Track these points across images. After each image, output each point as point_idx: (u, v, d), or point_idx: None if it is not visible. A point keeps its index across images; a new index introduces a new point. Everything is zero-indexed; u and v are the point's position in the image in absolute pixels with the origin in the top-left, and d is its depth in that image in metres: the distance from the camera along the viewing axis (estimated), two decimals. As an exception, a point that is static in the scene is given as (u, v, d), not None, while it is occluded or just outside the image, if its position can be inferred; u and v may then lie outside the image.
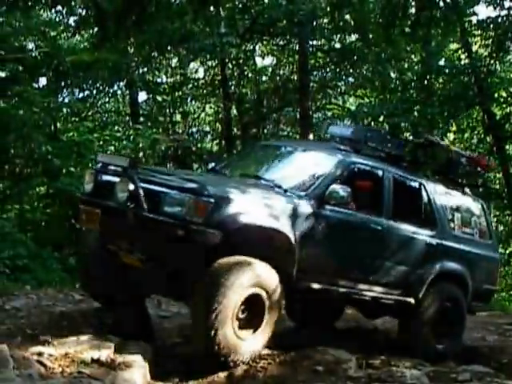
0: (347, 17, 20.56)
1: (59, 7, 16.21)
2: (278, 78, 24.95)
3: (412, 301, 9.31)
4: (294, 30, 20.25)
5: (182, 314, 10.03)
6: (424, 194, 9.80)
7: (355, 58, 21.52)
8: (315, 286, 8.27)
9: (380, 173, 9.25)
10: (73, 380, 6.40)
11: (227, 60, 21.73)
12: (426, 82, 21.22)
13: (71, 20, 19.38)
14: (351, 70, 22.65)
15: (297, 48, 22.41)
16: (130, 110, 25.58)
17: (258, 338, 7.61)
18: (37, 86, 19.63)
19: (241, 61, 22.28)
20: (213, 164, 9.98)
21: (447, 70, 20.61)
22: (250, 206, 7.58)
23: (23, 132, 17.16)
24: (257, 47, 22.80)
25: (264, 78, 25.52)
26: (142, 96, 25.54)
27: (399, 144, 10.21)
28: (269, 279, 7.59)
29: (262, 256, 7.58)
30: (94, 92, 24.16)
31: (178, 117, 27.37)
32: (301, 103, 21.75)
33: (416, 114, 20.26)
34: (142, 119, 24.45)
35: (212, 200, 7.23)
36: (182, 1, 13.38)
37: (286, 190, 8.25)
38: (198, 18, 10.10)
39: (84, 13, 15.21)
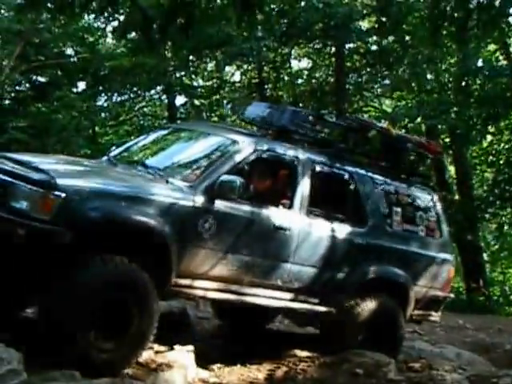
0: (384, 19, 20.50)
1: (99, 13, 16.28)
2: (314, 80, 24.92)
3: (333, 311, 8.17)
4: (330, 32, 20.23)
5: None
6: (352, 185, 8.44)
7: (391, 60, 21.43)
8: (199, 292, 7.36)
9: (293, 161, 8.02)
10: (115, 380, 6.34)
11: (264, 63, 21.80)
12: (463, 83, 21.04)
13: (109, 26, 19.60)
14: (387, 72, 22.55)
15: (333, 50, 22.42)
16: (168, 114, 25.76)
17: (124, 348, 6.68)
18: (76, 90, 19.88)
19: (277, 64, 22.31)
20: (113, 148, 8.87)
21: (486, 72, 20.42)
22: (112, 200, 6.56)
23: (63, 135, 17.43)
24: (293, 50, 22.81)
25: (300, 81, 25.52)
26: (180, 100, 25.64)
27: (325, 127, 9.00)
28: (135, 282, 6.64)
29: (127, 256, 6.61)
30: (132, 96, 24.37)
31: (215, 120, 27.46)
32: (337, 106, 21.69)
33: (453, 115, 20.09)
34: (179, 123, 24.55)
35: (61, 194, 6.22)
36: (223, 5, 13.33)
37: (167, 181, 7.18)
38: (241, 22, 10.02)
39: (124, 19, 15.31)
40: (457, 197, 21.81)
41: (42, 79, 19.16)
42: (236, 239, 7.40)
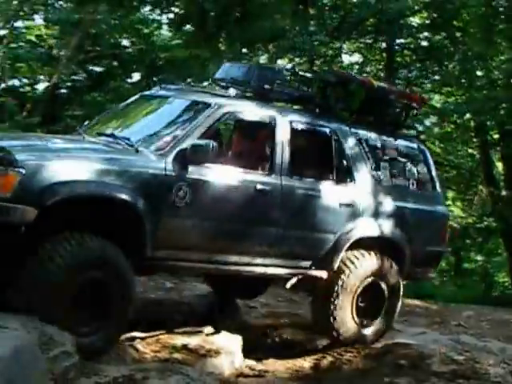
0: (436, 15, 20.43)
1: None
2: (364, 75, 24.89)
3: (323, 275, 7.92)
4: (381, 28, 20.20)
5: (270, 304, 10.32)
6: (335, 142, 8.06)
7: (442, 56, 21.32)
8: (180, 264, 7.13)
9: (270, 121, 7.64)
10: (165, 365, 6.59)
11: (315, 57, 21.82)
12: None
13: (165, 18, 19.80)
14: (437, 68, 22.42)
15: (384, 46, 22.37)
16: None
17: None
18: (130, 81, 20.11)
19: (328, 58, 22.30)
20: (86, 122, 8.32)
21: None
22: (78, 173, 6.20)
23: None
24: (344, 45, 22.79)
25: (351, 76, 25.41)
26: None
27: (302, 83, 8.32)
28: (109, 259, 6.35)
29: (97, 233, 6.32)
30: (186, 87, 24.34)
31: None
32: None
33: (502, 112, 19.93)
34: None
35: (21, 170, 5.85)
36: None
37: (137, 150, 6.88)
38: (296, 17, 10.06)
39: (180, 11, 15.55)
40: (504, 192, 21.66)
41: (97, 69, 19.48)
42: (214, 206, 7.06)
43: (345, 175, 8.11)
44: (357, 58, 25.01)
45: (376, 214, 8.20)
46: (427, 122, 22.67)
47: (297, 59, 22.13)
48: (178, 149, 6.86)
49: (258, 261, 7.50)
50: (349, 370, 7.69)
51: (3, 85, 18.24)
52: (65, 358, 5.67)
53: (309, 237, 7.75)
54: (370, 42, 22.64)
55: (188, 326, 7.96)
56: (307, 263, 7.83)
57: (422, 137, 18.39)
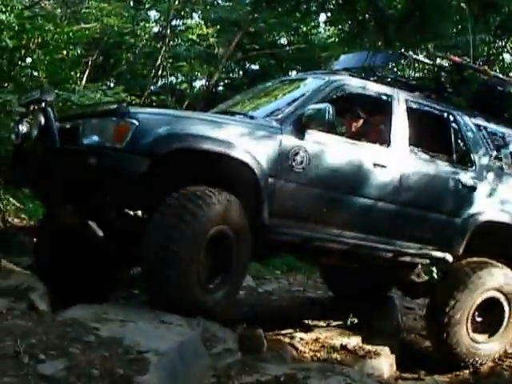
0: None
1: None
2: (528, 77, 24.03)
3: (449, 258, 7.41)
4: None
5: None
6: (454, 125, 7.76)
7: None
8: (296, 233, 6.53)
9: (386, 97, 7.37)
10: (325, 365, 6.51)
11: (477, 56, 21.28)
12: None
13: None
14: None
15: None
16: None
17: None
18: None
19: (491, 57, 21.69)
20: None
21: None
22: (191, 128, 5.97)
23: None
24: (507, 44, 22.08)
25: (512, 75, 24.70)
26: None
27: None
28: (238, 217, 5.98)
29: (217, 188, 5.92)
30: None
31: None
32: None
33: None
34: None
35: (134, 121, 5.70)
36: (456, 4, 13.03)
37: (252, 117, 6.67)
38: (477, 22, 9.83)
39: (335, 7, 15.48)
40: None
41: (254, 66, 19.75)
42: (331, 175, 6.67)
43: (465, 159, 7.77)
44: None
45: (499, 200, 7.78)
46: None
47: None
48: (295, 114, 6.59)
49: (378, 240, 7.04)
50: (509, 376, 7.47)
51: (163, 82, 18.80)
52: (227, 355, 5.69)
53: (430, 218, 7.30)
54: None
55: (346, 327, 7.97)
56: (430, 246, 7.36)
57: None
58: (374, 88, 7.41)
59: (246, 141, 6.17)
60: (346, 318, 8.22)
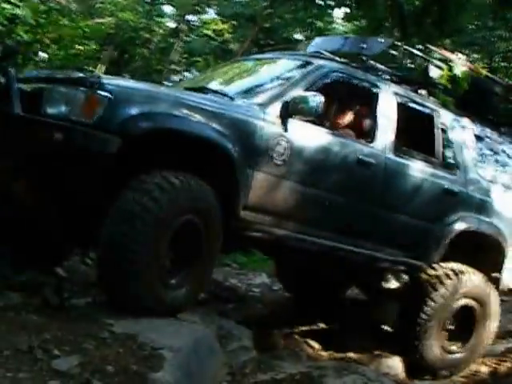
0: None
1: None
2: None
3: (423, 265, 7.01)
4: None
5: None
6: (439, 126, 7.23)
7: None
8: (271, 231, 5.98)
9: (373, 89, 6.80)
10: (341, 363, 6.44)
11: (494, 53, 21.14)
12: None
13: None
14: None
15: None
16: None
17: None
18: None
19: (509, 54, 21.55)
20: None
21: None
22: (167, 107, 5.35)
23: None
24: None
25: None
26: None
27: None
28: (209, 205, 5.42)
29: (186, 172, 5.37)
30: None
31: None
32: None
33: None
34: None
35: (107, 94, 5.02)
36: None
37: (232, 98, 6.05)
38: (497, 18, 9.70)
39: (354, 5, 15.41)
40: None
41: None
42: (313, 170, 6.16)
43: (449, 162, 7.30)
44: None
45: (480, 207, 7.39)
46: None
47: (474, 55, 21.54)
48: (280, 99, 6.01)
49: (355, 243, 6.58)
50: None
51: (178, 77, 18.76)
52: (242, 353, 5.69)
53: (410, 222, 6.87)
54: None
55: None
56: (406, 252, 6.97)
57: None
58: (361, 76, 6.82)
59: (225, 124, 5.57)
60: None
